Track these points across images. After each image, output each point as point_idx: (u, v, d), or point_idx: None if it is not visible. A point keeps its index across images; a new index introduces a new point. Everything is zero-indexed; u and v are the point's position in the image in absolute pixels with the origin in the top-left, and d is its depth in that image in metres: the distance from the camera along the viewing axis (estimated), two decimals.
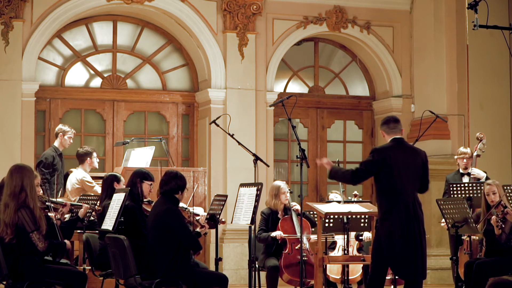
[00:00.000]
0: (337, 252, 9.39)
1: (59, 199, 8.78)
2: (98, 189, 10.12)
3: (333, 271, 9.19)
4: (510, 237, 8.64)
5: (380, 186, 7.45)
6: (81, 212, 8.31)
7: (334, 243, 9.57)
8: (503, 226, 8.48)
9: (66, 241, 7.57)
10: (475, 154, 10.39)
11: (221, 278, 7.52)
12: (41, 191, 7.63)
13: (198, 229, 8.25)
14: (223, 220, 8.87)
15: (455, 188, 9.69)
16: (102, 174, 11.19)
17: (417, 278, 7.34)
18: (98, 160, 10.67)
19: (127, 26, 12.73)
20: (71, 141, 10.72)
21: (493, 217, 8.56)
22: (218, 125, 9.46)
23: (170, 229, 7.32)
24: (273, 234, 9.12)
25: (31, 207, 7.19)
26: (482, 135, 10.42)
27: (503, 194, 8.74)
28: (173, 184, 7.52)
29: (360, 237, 9.46)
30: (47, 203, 7.59)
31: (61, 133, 10.64)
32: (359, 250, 9.50)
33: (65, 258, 8.06)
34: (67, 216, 8.20)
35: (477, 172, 10.28)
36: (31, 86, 11.64)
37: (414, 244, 7.30)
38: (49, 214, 7.65)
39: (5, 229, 7.16)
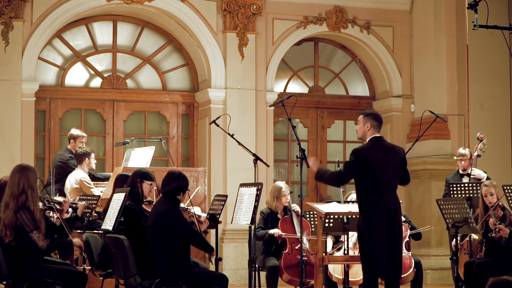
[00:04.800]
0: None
1: (56, 198, 8.77)
2: (95, 191, 10.13)
3: (337, 271, 9.16)
4: (510, 237, 8.63)
5: (363, 186, 7.44)
6: (79, 210, 8.30)
7: (341, 243, 9.52)
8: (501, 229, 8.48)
9: (75, 239, 7.56)
10: (475, 154, 10.37)
11: (221, 278, 7.52)
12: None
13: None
14: (220, 220, 8.86)
15: (455, 188, 9.68)
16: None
17: (395, 279, 7.38)
18: (95, 161, 10.65)
19: (127, 26, 12.73)
20: (84, 145, 10.75)
21: (491, 220, 8.54)
22: (218, 125, 9.45)
23: (172, 229, 7.31)
24: (271, 231, 9.11)
25: (31, 209, 7.15)
26: (482, 135, 10.40)
27: (502, 195, 8.73)
28: (175, 185, 7.50)
29: None
30: (46, 203, 7.57)
31: (72, 140, 10.75)
32: None
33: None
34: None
35: (477, 172, 10.26)
36: (31, 86, 11.64)
37: (394, 245, 7.34)
38: (50, 213, 7.64)
39: (4, 230, 7.13)
